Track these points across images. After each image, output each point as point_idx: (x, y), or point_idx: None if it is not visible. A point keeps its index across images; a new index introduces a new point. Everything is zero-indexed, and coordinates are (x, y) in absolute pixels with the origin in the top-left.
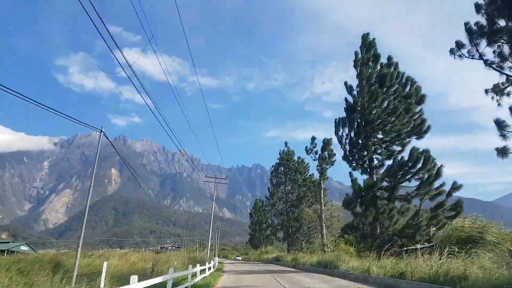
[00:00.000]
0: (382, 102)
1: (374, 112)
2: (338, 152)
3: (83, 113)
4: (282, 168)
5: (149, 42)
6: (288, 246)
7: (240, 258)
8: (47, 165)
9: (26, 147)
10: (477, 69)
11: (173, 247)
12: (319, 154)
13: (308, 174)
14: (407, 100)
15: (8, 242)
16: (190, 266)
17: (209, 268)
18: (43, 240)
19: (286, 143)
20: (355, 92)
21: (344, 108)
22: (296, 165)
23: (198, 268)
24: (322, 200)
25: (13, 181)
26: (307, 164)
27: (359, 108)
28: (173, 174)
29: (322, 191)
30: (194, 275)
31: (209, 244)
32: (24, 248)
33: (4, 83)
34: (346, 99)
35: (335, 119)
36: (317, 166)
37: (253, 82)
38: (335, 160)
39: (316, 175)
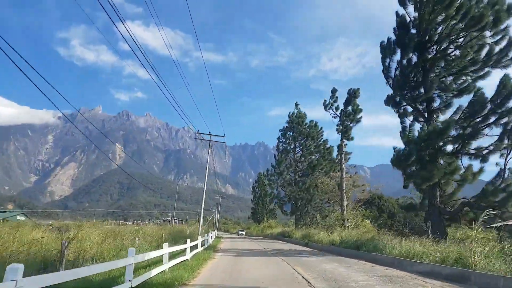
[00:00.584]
0: (452, 13)
1: (440, 27)
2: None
3: (85, 87)
4: (291, 133)
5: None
6: (296, 220)
7: (243, 232)
8: (51, 139)
9: (31, 121)
10: None
11: (176, 220)
12: (341, 110)
13: (322, 140)
14: (494, 7)
15: (5, 212)
16: (166, 244)
17: (196, 246)
18: (48, 211)
19: (296, 104)
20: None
21: (394, 28)
22: (308, 129)
23: (167, 250)
24: (343, 165)
25: (18, 154)
26: (321, 128)
27: (417, 22)
28: (177, 151)
29: (343, 155)
30: (156, 262)
31: (201, 214)
32: (20, 218)
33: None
34: (397, 13)
35: (381, 42)
36: (338, 124)
37: (258, 58)
38: (361, 118)
39: (332, 141)
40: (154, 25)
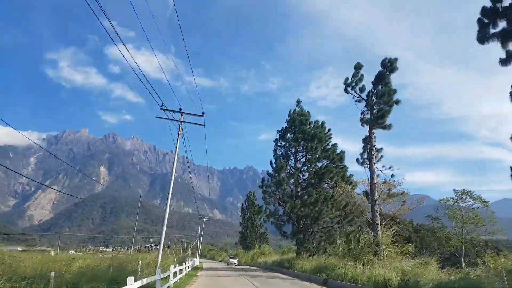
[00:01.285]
0: None
1: None
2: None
3: (72, 109)
4: (292, 135)
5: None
6: (299, 244)
7: (235, 261)
8: (33, 161)
9: (13, 142)
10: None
11: (157, 246)
12: (369, 91)
13: (330, 144)
14: None
15: None
16: None
17: None
18: (25, 237)
19: (298, 101)
20: None
21: None
22: (313, 129)
23: None
24: (373, 165)
25: None
26: (329, 130)
27: None
28: (163, 174)
29: (373, 151)
30: None
31: (163, 233)
32: None
33: None
34: None
35: None
36: (364, 111)
37: (248, 84)
38: (398, 101)
39: (343, 145)
40: (145, 49)
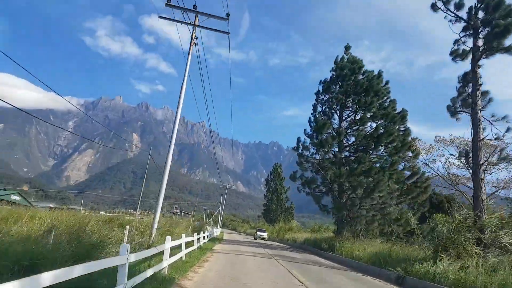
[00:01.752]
0: None
1: None
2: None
3: (108, 77)
4: (339, 87)
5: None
6: (340, 223)
7: (265, 235)
8: (71, 125)
9: (54, 106)
10: None
11: (182, 213)
12: (472, 7)
13: (389, 99)
14: None
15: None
16: None
17: None
18: (61, 195)
19: (347, 47)
20: None
21: None
22: (368, 81)
23: None
24: (479, 114)
25: (39, 138)
26: (387, 82)
27: None
28: (191, 145)
29: (478, 94)
30: None
31: (165, 176)
32: (15, 197)
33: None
34: None
35: None
36: (461, 36)
37: (278, 57)
38: None
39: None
40: (179, 17)
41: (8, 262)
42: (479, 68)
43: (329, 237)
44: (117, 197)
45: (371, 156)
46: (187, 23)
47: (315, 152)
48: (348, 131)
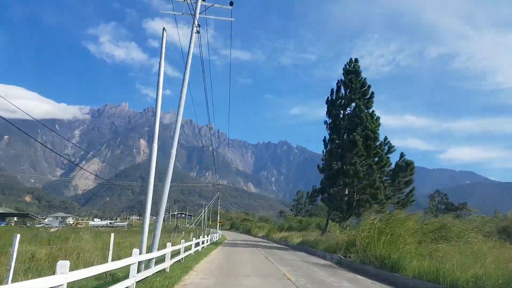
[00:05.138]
0: None
1: None
2: None
3: (113, 83)
4: None
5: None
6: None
7: None
8: (78, 134)
9: (59, 116)
10: None
11: (184, 215)
12: None
13: None
14: None
15: None
16: None
17: None
18: (66, 205)
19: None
20: None
21: None
22: None
23: None
24: None
25: (45, 148)
26: None
27: None
28: (200, 148)
29: None
30: None
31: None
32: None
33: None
34: None
35: None
36: None
37: (286, 55)
38: None
39: None
40: (183, 23)
41: None
42: None
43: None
44: (124, 205)
45: None
46: (188, 14)
47: None
48: None
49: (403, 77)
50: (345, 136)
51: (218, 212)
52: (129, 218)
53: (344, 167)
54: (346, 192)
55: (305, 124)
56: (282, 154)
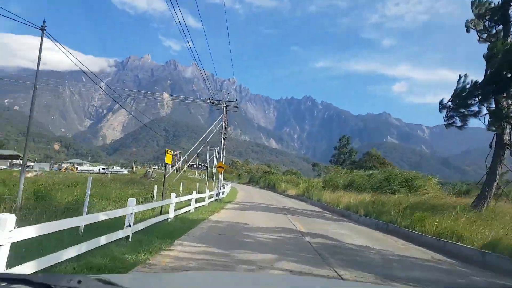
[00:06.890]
0: None
1: None
2: None
3: (136, 35)
4: None
5: None
6: None
7: None
8: (103, 86)
9: (85, 68)
10: None
11: (199, 166)
12: None
13: None
14: None
15: None
16: None
17: None
18: (92, 154)
19: None
20: None
21: None
22: None
23: None
24: None
25: (73, 99)
26: None
27: None
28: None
29: None
30: None
31: None
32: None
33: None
34: None
35: None
36: None
37: (315, 3)
38: None
39: None
40: None
41: None
42: None
43: None
44: (149, 155)
45: None
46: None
47: None
48: None
49: (437, 27)
50: None
51: (222, 144)
52: (145, 166)
53: None
54: None
55: (330, 78)
56: (305, 110)
